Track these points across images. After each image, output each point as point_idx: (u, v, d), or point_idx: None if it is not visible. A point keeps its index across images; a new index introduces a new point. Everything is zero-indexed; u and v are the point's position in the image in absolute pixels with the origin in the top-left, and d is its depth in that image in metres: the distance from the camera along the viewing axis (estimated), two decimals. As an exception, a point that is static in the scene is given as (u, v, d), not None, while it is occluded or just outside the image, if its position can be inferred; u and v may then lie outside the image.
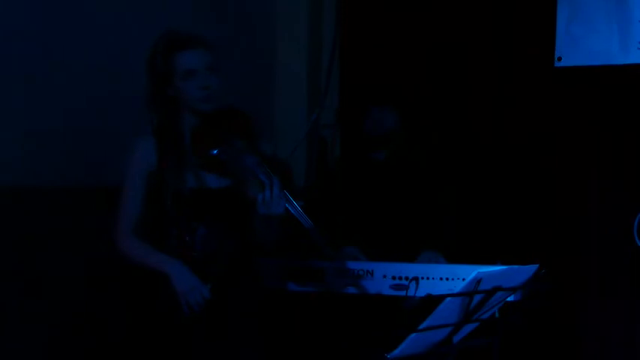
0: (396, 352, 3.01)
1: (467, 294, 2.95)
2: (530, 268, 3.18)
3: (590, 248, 4.80)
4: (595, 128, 4.79)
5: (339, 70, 5.43)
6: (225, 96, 3.64)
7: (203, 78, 3.56)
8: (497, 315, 3.36)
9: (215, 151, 3.55)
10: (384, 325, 4.19)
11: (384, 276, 4.09)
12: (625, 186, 4.71)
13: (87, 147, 4.29)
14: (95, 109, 4.33)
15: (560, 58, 4.79)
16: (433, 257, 4.35)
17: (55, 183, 4.19)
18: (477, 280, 2.92)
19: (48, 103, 4.17)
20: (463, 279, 3.94)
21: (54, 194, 4.16)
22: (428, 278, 4.03)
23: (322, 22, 5.51)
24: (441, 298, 2.96)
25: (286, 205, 3.50)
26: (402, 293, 4.02)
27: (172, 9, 4.65)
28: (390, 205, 4.53)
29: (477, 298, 3.00)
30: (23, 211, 4.06)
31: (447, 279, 4.00)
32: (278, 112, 5.44)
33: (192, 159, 3.60)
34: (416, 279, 4.02)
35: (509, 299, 3.41)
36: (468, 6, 5.07)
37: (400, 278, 4.07)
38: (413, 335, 2.98)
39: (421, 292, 4.00)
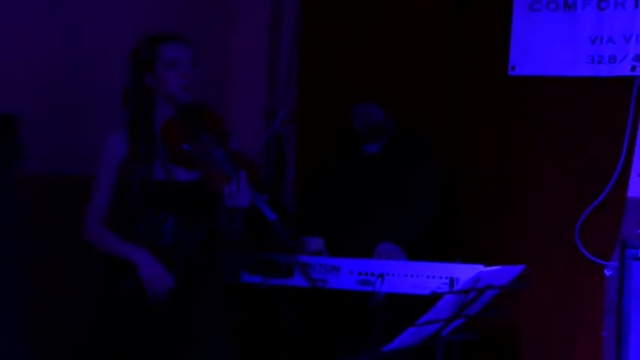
0: (393, 344, 3.16)
1: (463, 291, 3.11)
2: (518, 268, 3.37)
3: (535, 248, 4.99)
4: (545, 133, 4.98)
5: (297, 66, 5.50)
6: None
7: (185, 68, 3.72)
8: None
9: (185, 146, 3.67)
10: (350, 319, 4.34)
11: (351, 272, 4.20)
12: (570, 190, 4.92)
13: (64, 135, 4.33)
14: (73, 99, 4.36)
15: (513, 67, 4.98)
16: (391, 251, 4.41)
17: (30, 171, 4.20)
18: (477, 279, 3.08)
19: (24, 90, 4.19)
20: (427, 276, 4.11)
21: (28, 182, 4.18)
22: (393, 275, 4.14)
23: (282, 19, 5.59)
24: (440, 295, 3.11)
25: (252, 198, 3.65)
26: (369, 289, 4.14)
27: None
28: (381, 196, 4.63)
29: (472, 295, 3.17)
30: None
31: (412, 276, 4.12)
32: (233, 109, 5.50)
33: (162, 152, 3.71)
34: (381, 275, 4.16)
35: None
36: (428, 10, 5.20)
37: (367, 274, 4.18)
38: (410, 329, 3.13)
39: (386, 289, 4.13)
